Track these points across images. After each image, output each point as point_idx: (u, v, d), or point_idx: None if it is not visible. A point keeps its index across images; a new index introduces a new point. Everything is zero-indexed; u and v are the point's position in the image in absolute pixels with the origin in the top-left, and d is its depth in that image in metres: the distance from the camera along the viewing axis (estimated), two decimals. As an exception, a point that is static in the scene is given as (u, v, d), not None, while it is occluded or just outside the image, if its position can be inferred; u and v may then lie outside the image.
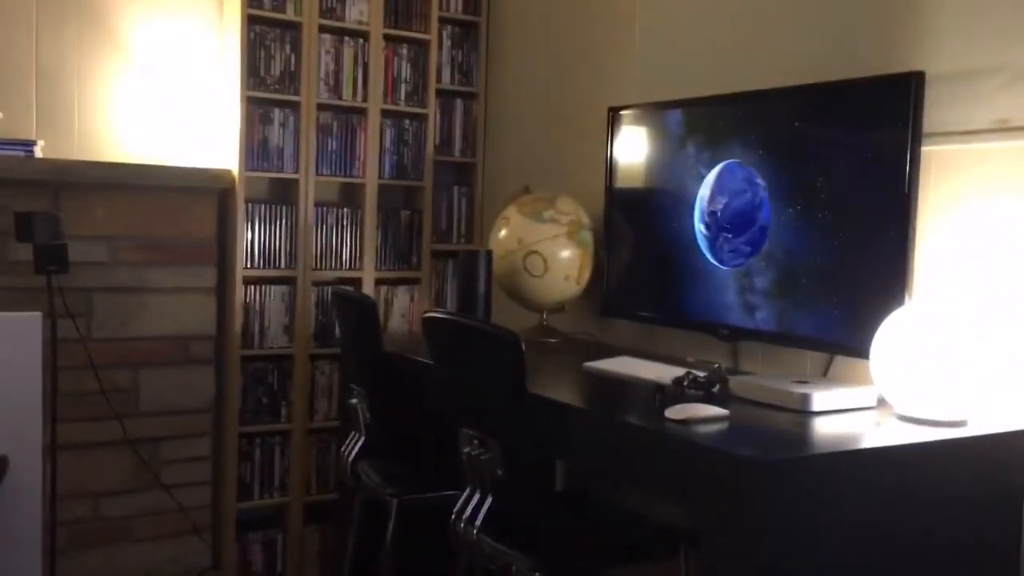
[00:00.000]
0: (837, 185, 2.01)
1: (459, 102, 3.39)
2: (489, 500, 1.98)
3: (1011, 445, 1.76)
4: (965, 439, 1.71)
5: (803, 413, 1.81)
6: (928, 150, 1.92)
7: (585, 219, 2.75)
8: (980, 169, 1.89)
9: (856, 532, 1.59)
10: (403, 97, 3.26)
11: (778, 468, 1.54)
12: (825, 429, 1.73)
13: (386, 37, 3.21)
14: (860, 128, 1.98)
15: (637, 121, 2.59)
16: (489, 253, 2.75)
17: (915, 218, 1.89)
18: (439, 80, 3.33)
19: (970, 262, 1.90)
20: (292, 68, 3.08)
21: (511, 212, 2.79)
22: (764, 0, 2.36)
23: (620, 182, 2.65)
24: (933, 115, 1.91)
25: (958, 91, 1.91)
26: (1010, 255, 1.84)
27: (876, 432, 1.74)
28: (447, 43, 3.35)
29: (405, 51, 3.27)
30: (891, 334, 1.79)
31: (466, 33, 3.39)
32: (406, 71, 3.27)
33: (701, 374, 1.96)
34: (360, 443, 2.56)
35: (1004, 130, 1.84)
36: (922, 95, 1.88)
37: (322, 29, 3.11)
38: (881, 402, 1.87)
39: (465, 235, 3.42)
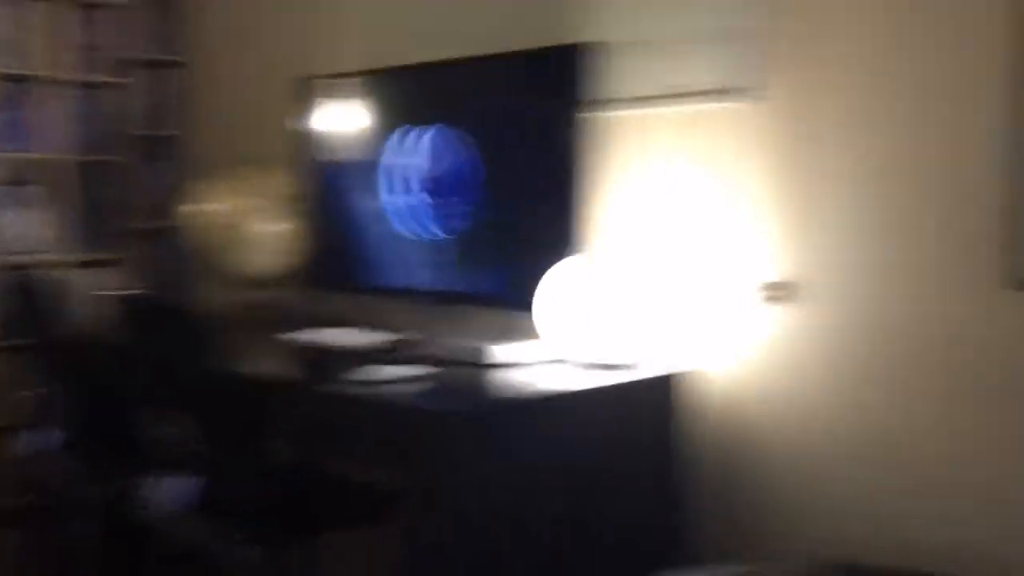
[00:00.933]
0: (519, 151, 2.11)
1: (160, 73, 3.22)
2: (196, 481, 1.93)
3: (672, 385, 1.93)
4: (633, 382, 1.85)
5: (486, 367, 1.89)
6: (599, 115, 2.05)
7: (291, 192, 2.71)
8: (645, 133, 2.05)
9: (542, 474, 1.69)
10: (95, 67, 3.06)
11: (460, 419, 1.60)
12: (506, 380, 1.82)
13: (78, 3, 2.99)
14: (534, 95, 2.08)
15: (337, 92, 2.58)
16: (193, 229, 2.65)
17: (583, 179, 2.02)
18: (136, 49, 3.14)
19: (638, 218, 2.07)
20: (-40, 32, 2.81)
21: (215, 187, 2.70)
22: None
23: (324, 154, 2.63)
24: (604, 83, 2.05)
25: (627, 60, 2.05)
26: (672, 211, 2.02)
27: (550, 379, 1.84)
28: (147, 10, 3.17)
29: (100, 16, 3.06)
30: (554, 286, 1.91)
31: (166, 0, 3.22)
32: (100, 39, 3.06)
33: (397, 338, 2.00)
34: (54, 439, 2.40)
35: (666, 97, 2.02)
36: (591, 64, 2.01)
37: (-4, -10, 2.85)
38: (560, 352, 1.98)
39: (167, 212, 3.27)
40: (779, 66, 1.87)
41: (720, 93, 1.93)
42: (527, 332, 2.18)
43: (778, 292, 1.87)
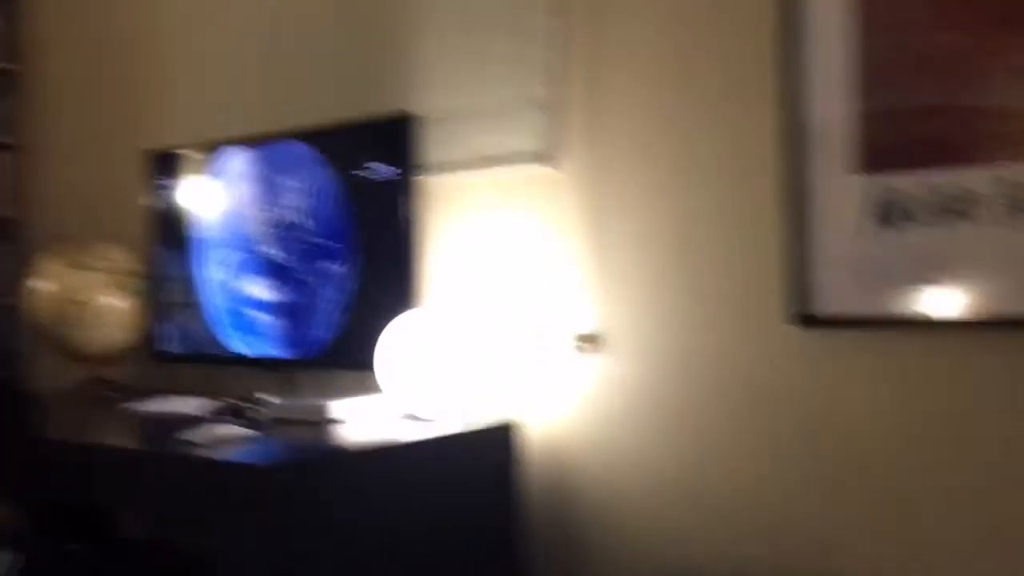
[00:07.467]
0: (356, 216, 2.19)
1: (-2, 154, 3.18)
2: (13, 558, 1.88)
3: (501, 438, 1.99)
4: (454, 435, 1.89)
5: (324, 423, 1.93)
6: (426, 180, 2.17)
7: (134, 266, 2.70)
8: (465, 195, 2.18)
9: (372, 527, 1.72)
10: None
11: (279, 471, 1.63)
12: (341, 434, 1.87)
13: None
14: (367, 161, 2.18)
15: (182, 165, 2.62)
16: (33, 306, 2.60)
17: (416, 241, 2.11)
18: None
19: (465, 275, 2.17)
20: None
21: (55, 263, 2.67)
22: (285, 44, 2.54)
23: (169, 227, 2.65)
24: (428, 150, 2.17)
25: (446, 130, 2.18)
26: (491, 266, 2.13)
27: (382, 431, 1.90)
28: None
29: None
30: (392, 342, 1.98)
31: (3, 82, 3.20)
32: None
33: (241, 404, 2.02)
34: None
35: (480, 161, 2.15)
36: (415, 133, 2.12)
37: None
38: (395, 407, 2.03)
39: (5, 291, 3.19)
40: (578, 135, 2.03)
41: (524, 159, 2.08)
42: (370, 389, 2.23)
43: (589, 344, 1.99)
